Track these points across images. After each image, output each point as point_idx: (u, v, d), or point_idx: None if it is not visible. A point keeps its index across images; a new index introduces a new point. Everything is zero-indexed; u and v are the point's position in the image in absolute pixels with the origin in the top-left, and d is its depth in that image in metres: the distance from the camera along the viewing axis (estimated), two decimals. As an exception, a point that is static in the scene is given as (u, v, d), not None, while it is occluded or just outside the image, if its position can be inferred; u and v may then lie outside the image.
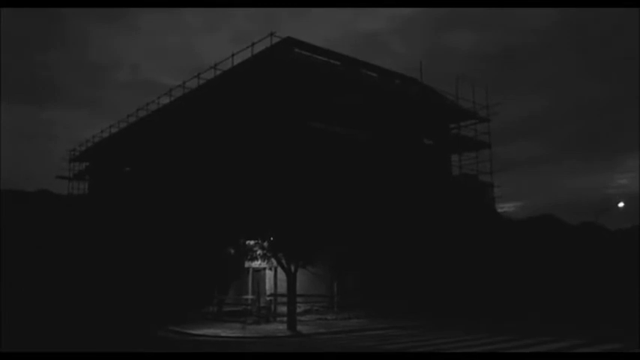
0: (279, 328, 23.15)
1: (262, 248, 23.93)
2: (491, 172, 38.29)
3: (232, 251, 26.58)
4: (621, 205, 43.93)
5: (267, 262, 25.00)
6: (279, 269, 24.75)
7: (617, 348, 15.86)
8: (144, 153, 39.08)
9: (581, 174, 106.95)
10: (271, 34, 28.67)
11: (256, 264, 25.57)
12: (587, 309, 30.23)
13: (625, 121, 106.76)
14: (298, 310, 24.82)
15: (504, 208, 48.95)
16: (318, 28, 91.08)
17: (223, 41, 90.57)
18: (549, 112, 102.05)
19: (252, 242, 24.72)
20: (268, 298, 27.12)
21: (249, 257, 24.99)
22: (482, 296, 31.55)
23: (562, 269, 35.03)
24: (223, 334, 21.10)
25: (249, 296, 27.51)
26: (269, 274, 27.83)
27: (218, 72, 31.74)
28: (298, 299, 24.47)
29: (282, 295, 25.68)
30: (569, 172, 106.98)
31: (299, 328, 22.57)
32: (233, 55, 30.47)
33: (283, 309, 24.70)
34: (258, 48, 29.30)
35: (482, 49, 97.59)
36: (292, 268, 23.15)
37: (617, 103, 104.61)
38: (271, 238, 23.34)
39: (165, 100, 36.50)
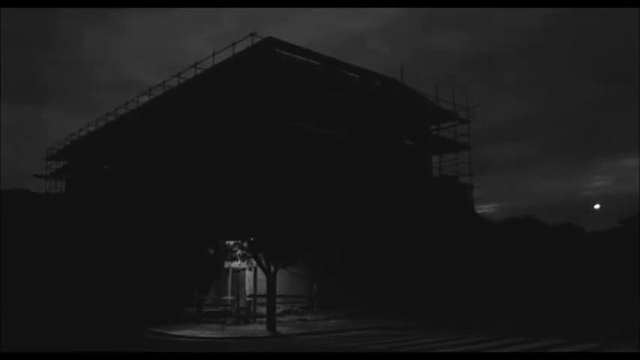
0: (258, 328, 23.07)
1: (242, 248, 23.81)
2: (471, 174, 38.63)
3: (212, 251, 26.42)
4: (597, 207, 44.53)
5: (246, 263, 24.88)
6: (258, 270, 24.65)
7: (592, 348, 16.12)
8: (123, 152, 38.72)
9: (559, 176, 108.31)
10: (252, 34, 28.62)
11: (236, 264, 25.43)
12: (568, 309, 30.68)
13: (602, 125, 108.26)
14: (278, 310, 24.76)
15: (484, 209, 49.22)
16: (300, 28, 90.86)
17: (205, 41, 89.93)
18: (529, 114, 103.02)
19: (231, 242, 24.59)
20: (248, 299, 27.01)
21: (228, 257, 24.84)
22: (460, 297, 31.80)
23: (542, 270, 35.40)
24: (202, 335, 20.98)
25: (229, 297, 27.36)
26: (249, 274, 27.70)
27: (199, 71, 31.58)
28: (278, 300, 24.40)
29: (261, 296, 25.59)
30: (547, 174, 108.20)
31: (278, 328, 22.51)
32: (214, 54, 30.36)
33: (263, 310, 24.60)
34: (240, 48, 29.27)
35: (466, 51, 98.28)
36: (272, 269, 23.08)
37: (594, 107, 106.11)
38: (251, 239, 23.24)
39: (145, 99, 36.27)
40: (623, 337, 18.65)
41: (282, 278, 25.06)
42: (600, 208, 44.41)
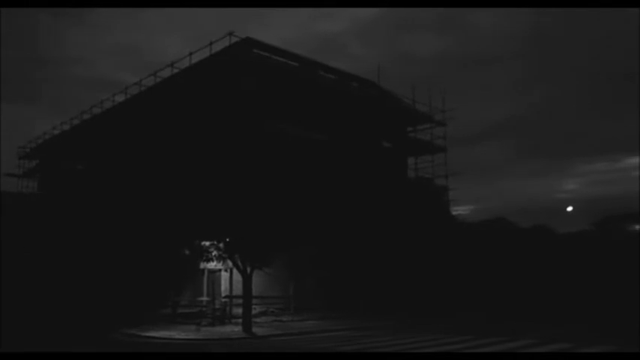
0: (234, 330, 22.95)
1: (218, 249, 23.67)
2: (447, 176, 38.94)
3: (187, 252, 26.23)
4: (570, 209, 45.36)
5: (222, 264, 24.75)
6: (234, 270, 24.54)
7: (566, 348, 16.40)
8: (97, 151, 38.20)
9: (533, 178, 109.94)
10: (230, 34, 28.49)
11: (212, 265, 25.30)
12: (541, 308, 31.20)
13: (575, 128, 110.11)
14: (254, 311, 24.67)
15: (459, 211, 49.64)
16: (277, 28, 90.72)
17: (183, 40, 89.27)
18: (504, 117, 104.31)
19: (207, 243, 24.43)
20: (223, 300, 26.87)
21: (204, 258, 24.67)
22: (436, 297, 32.09)
23: (516, 271, 35.90)
24: (177, 337, 20.81)
25: (204, 298, 27.17)
26: (224, 275, 27.57)
27: (176, 70, 31.34)
28: (254, 301, 24.31)
29: (237, 297, 25.48)
30: (521, 177, 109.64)
31: (254, 329, 22.43)
32: (191, 53, 30.13)
33: (239, 311, 24.49)
34: (217, 47, 29.12)
35: (443, 53, 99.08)
36: (248, 270, 22.99)
37: (566, 111, 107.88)
38: (227, 239, 23.11)
39: (121, 98, 35.86)
40: (595, 336, 19.04)
41: (258, 279, 24.99)
42: (573, 210, 45.24)
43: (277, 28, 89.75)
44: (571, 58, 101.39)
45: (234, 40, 28.66)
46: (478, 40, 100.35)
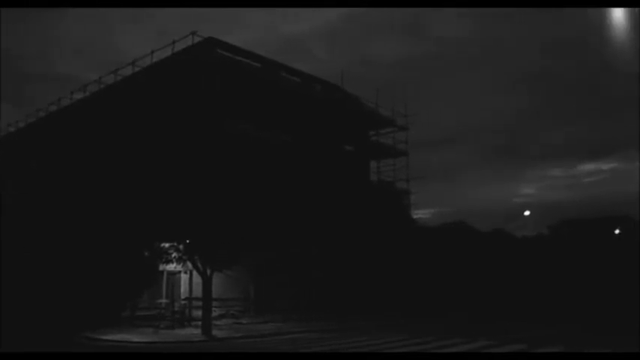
0: (193, 332, 22.67)
1: (178, 251, 23.35)
2: (408, 180, 39.32)
3: (146, 254, 25.79)
4: (527, 213, 46.46)
5: (182, 265, 24.42)
6: (194, 272, 24.25)
7: (523, 348, 16.77)
8: (53, 150, 37.23)
9: (491, 183, 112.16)
10: (193, 33, 28.21)
11: (171, 267, 24.94)
12: (500, 310, 31.84)
13: (533, 134, 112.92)
14: (214, 314, 24.42)
15: (420, 214, 50.30)
16: (242, 29, 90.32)
17: (145, 38, 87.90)
18: (465, 123, 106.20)
19: (167, 245, 24.07)
20: (183, 302, 26.52)
21: (163, 260, 24.30)
22: (396, 299, 32.36)
23: (475, 273, 36.51)
24: (135, 340, 20.41)
25: (163, 300, 26.77)
26: (184, 277, 27.22)
27: (137, 69, 30.85)
28: (214, 303, 24.06)
29: (197, 299, 25.17)
30: (480, 181, 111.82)
31: (214, 332, 22.18)
32: (152, 52, 29.74)
33: (198, 313, 24.20)
34: (180, 47, 28.78)
35: (407, 59, 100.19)
36: (208, 272, 22.75)
37: (525, 117, 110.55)
38: (187, 241, 22.82)
39: (80, 96, 35.05)
40: (550, 337, 19.51)
41: (218, 281, 24.76)
42: (530, 214, 46.35)
43: (242, 29, 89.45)
44: (528, 66, 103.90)
45: (197, 39, 28.40)
46: (442, 46, 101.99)
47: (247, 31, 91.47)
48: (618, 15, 17.99)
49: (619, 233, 46.74)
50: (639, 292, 30.74)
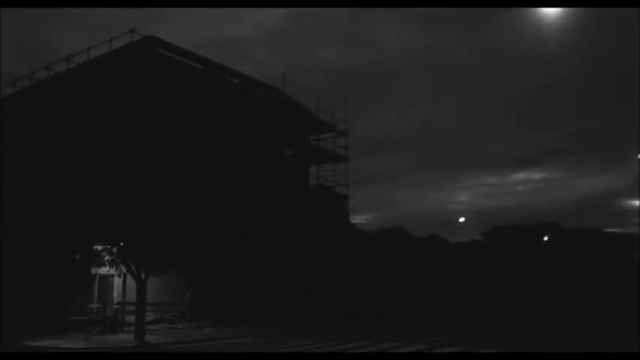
0: (126, 338, 22.10)
1: (111, 254, 22.67)
2: (347, 185, 39.65)
3: (78, 257, 24.92)
4: (462, 220, 47.72)
5: (115, 269, 23.69)
6: (128, 276, 23.61)
7: (463, 349, 17.22)
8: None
9: (427, 189, 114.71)
10: (131, 31, 27.51)
11: (104, 270, 24.16)
12: (436, 313, 32.59)
13: (468, 143, 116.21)
14: (148, 318, 23.87)
15: (358, 219, 50.82)
16: (184, 29, 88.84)
17: (78, 35, 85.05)
18: (403, 130, 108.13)
19: (99, 247, 23.33)
20: (115, 307, 25.77)
21: (96, 263, 23.54)
22: (332, 303, 32.59)
23: (409, 277, 37.23)
24: (65, 346, 19.73)
25: (95, 305, 25.93)
26: (117, 281, 26.44)
27: (72, 65, 29.81)
28: (148, 308, 23.52)
29: (131, 304, 24.51)
30: (417, 187, 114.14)
31: (148, 337, 21.69)
32: (89, 48, 28.82)
33: (132, 318, 23.57)
34: (118, 44, 28.01)
35: (348, 65, 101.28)
36: (142, 276, 22.21)
37: (461, 126, 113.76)
38: (121, 244, 22.20)
39: (9, 91, 33.55)
40: (484, 338, 20.12)
41: (153, 286, 24.23)
42: (464, 221, 47.67)
43: (184, 29, 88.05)
44: (468, 74, 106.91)
45: (136, 37, 27.72)
46: (383, 53, 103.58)
47: (189, 32, 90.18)
48: (551, 18, 18.55)
49: (547, 240, 48.58)
50: (563, 294, 32.18)
